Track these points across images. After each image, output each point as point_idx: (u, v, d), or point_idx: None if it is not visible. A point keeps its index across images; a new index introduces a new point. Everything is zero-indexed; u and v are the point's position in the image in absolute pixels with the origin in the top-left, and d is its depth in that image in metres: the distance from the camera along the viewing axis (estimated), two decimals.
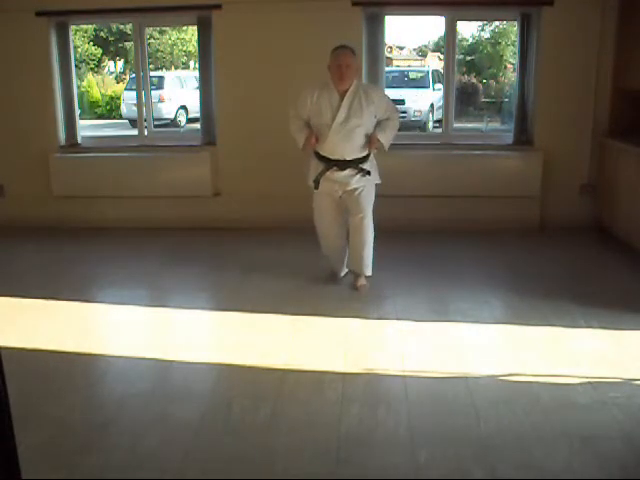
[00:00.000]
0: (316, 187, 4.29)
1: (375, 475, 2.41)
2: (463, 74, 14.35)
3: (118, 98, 14.57)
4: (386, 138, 4.21)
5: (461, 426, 2.71)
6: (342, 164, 4.19)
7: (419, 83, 13.20)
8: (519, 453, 2.52)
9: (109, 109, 15.42)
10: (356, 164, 4.19)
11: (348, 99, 4.11)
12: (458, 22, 5.85)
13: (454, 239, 5.54)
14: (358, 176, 4.22)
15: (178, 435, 2.67)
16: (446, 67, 5.97)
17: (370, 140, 4.15)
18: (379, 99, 4.19)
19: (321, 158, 4.24)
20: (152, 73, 10.74)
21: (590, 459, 2.47)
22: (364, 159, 4.22)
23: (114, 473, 2.43)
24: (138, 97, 6.23)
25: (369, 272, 4.39)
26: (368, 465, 2.46)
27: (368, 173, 4.23)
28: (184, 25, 10.97)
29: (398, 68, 17.42)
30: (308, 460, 2.50)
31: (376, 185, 4.36)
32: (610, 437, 2.62)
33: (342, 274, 4.61)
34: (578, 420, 2.75)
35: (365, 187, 4.26)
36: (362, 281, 4.41)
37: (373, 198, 4.33)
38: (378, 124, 4.20)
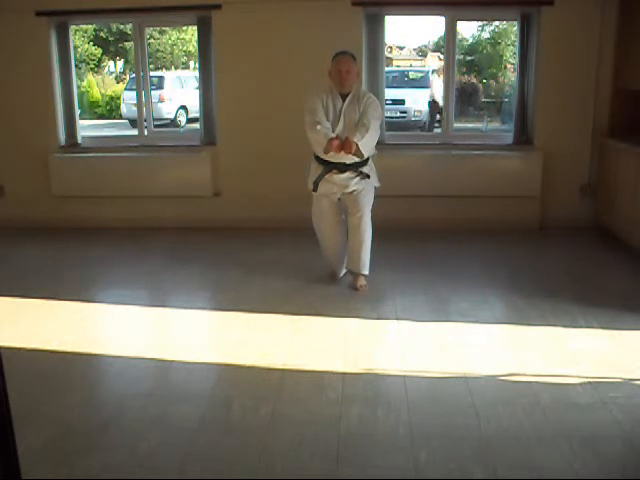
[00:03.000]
0: (315, 189, 4.32)
1: (375, 475, 2.41)
2: (463, 74, 14.35)
3: (118, 98, 14.59)
4: (362, 141, 4.04)
5: (461, 426, 2.71)
6: (341, 167, 4.21)
7: (419, 83, 13.22)
8: (519, 453, 2.52)
9: (109, 109, 15.43)
10: (355, 167, 4.22)
11: (347, 103, 4.20)
12: (458, 22, 5.85)
13: (454, 239, 5.54)
14: (357, 179, 4.25)
15: (178, 435, 2.67)
16: (446, 67, 5.97)
17: (346, 142, 3.99)
18: (367, 104, 4.19)
19: (321, 161, 4.27)
20: (152, 73, 10.76)
21: (590, 459, 2.47)
22: (363, 163, 4.24)
23: (114, 473, 2.43)
24: (138, 97, 6.23)
25: (366, 271, 4.40)
26: (368, 465, 2.46)
27: (367, 176, 4.26)
28: (184, 25, 10.97)
29: (398, 68, 17.42)
30: (308, 460, 2.49)
31: (375, 188, 4.38)
32: (610, 437, 2.62)
33: (341, 274, 4.61)
34: (578, 420, 2.75)
35: (364, 188, 4.28)
36: (362, 281, 4.41)
37: (372, 199, 4.34)
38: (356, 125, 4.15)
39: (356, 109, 4.19)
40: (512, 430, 2.67)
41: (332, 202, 4.38)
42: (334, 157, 4.14)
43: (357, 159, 4.16)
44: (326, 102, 4.22)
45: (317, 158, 4.29)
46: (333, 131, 4.17)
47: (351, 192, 4.27)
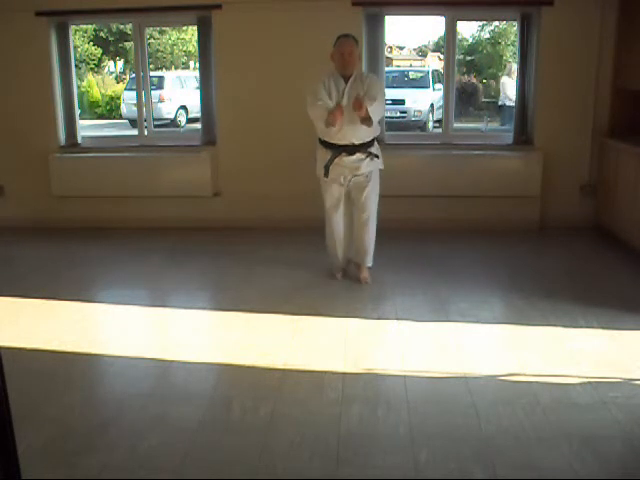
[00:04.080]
0: (326, 174, 4.33)
1: (375, 475, 2.41)
2: (463, 74, 14.36)
3: (118, 98, 14.60)
4: (371, 107, 4.06)
5: (461, 426, 2.71)
6: (351, 149, 4.24)
7: (419, 83, 13.21)
8: (519, 453, 2.52)
9: (109, 109, 15.44)
10: (365, 148, 4.25)
11: (350, 84, 4.25)
12: (458, 22, 5.85)
13: (454, 239, 5.54)
14: (367, 160, 4.29)
15: (178, 435, 2.67)
16: (446, 67, 5.97)
17: (356, 101, 4.02)
18: (371, 83, 4.26)
19: (328, 146, 4.29)
20: (152, 73, 10.76)
21: (590, 459, 2.47)
22: (370, 143, 4.29)
23: (114, 473, 2.43)
24: (138, 97, 6.23)
25: (370, 263, 4.52)
26: (368, 465, 2.46)
27: (376, 156, 4.32)
28: (184, 25, 10.99)
29: (398, 68, 17.42)
30: (308, 460, 2.49)
31: (380, 170, 4.44)
32: (610, 437, 2.62)
33: (340, 274, 4.61)
34: (578, 420, 2.75)
35: (372, 180, 4.33)
36: (365, 273, 4.51)
37: (378, 187, 4.42)
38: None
39: (359, 90, 4.22)
40: (512, 430, 2.67)
41: (341, 187, 4.40)
42: (340, 137, 4.17)
43: (365, 139, 4.20)
44: (328, 85, 4.26)
45: (323, 143, 4.32)
46: None
47: (361, 183, 4.32)
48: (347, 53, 4.21)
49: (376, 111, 4.14)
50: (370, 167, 4.33)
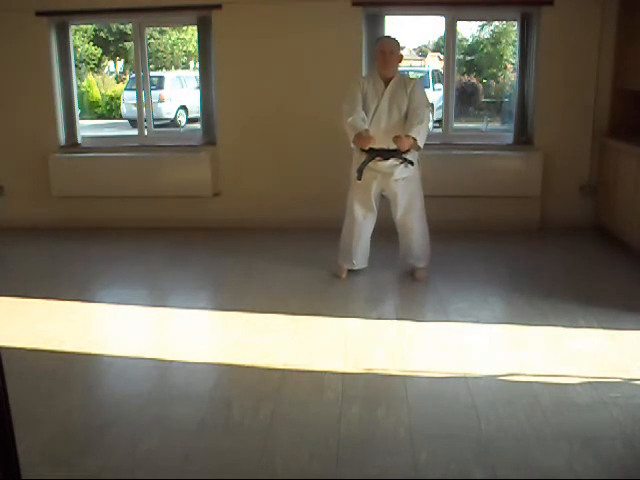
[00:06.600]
0: (359, 177, 4.30)
1: (375, 475, 2.41)
2: (463, 74, 14.32)
3: (118, 98, 14.58)
4: (419, 135, 4.10)
5: (461, 426, 2.71)
6: (385, 154, 4.22)
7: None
8: (519, 453, 2.52)
9: (109, 109, 15.42)
10: (399, 154, 4.22)
11: (391, 88, 4.24)
12: (458, 22, 5.85)
13: (454, 239, 5.54)
14: (401, 166, 4.27)
15: (178, 435, 2.67)
16: (446, 67, 5.97)
17: (402, 140, 4.04)
18: (414, 89, 4.24)
19: (363, 149, 4.26)
20: (152, 73, 10.76)
21: (590, 459, 2.47)
22: (407, 150, 4.25)
23: (114, 473, 2.43)
24: (138, 97, 6.23)
25: (422, 264, 4.59)
26: (368, 465, 2.46)
27: (411, 163, 4.27)
28: (184, 25, 10.97)
29: (398, 68, 17.37)
30: (308, 460, 2.49)
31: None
32: (610, 437, 2.62)
33: (345, 274, 4.60)
34: (578, 420, 2.75)
35: (407, 178, 4.31)
36: (418, 273, 4.57)
37: (418, 195, 4.43)
38: (406, 118, 4.20)
39: (402, 92, 4.21)
40: (512, 430, 2.67)
41: (374, 192, 4.40)
42: (376, 141, 4.15)
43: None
44: (366, 87, 4.26)
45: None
46: (374, 113, 4.21)
47: (393, 182, 4.30)
48: (388, 52, 4.21)
49: (424, 137, 4.15)
50: (404, 174, 4.30)
